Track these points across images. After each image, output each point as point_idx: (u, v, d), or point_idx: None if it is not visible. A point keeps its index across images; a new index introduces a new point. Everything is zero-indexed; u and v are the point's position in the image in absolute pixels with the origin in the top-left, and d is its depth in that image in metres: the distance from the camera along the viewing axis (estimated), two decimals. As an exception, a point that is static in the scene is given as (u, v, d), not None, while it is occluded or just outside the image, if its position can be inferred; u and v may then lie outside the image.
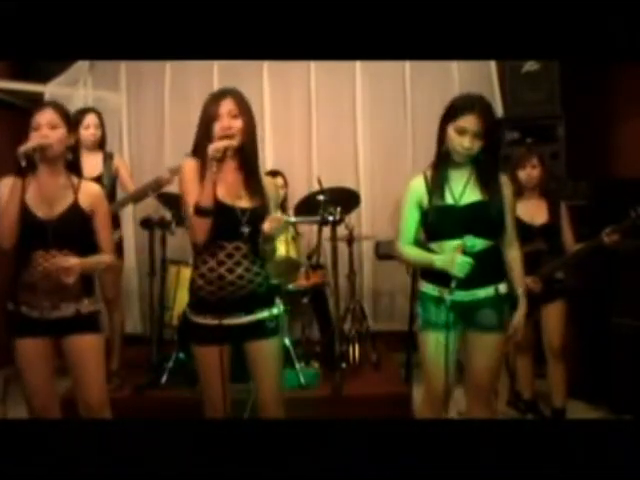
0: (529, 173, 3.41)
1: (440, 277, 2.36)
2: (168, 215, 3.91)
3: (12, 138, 4.69)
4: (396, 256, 2.58)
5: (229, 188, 2.32)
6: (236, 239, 2.31)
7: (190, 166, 2.32)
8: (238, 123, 2.30)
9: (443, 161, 2.40)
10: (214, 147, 2.20)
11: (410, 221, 2.44)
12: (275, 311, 2.42)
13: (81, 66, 4.51)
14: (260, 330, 2.38)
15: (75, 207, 2.42)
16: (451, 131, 2.33)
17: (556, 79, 4.26)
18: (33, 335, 2.38)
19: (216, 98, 2.33)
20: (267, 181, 2.49)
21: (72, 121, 2.47)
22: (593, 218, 3.55)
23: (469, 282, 2.33)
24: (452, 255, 2.29)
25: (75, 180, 2.47)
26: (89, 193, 2.47)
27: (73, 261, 2.32)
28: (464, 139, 2.30)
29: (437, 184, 2.39)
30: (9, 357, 2.44)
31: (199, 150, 2.32)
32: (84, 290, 2.44)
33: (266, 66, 4.83)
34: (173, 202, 3.96)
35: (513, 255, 2.49)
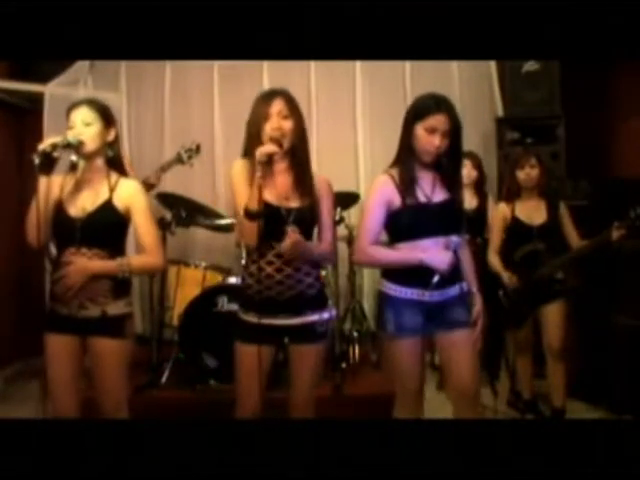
0: (528, 173, 3.41)
1: (416, 278, 2.32)
2: (168, 215, 3.92)
3: (12, 138, 4.70)
4: (355, 259, 2.56)
5: (277, 189, 2.32)
6: (284, 239, 2.28)
7: (240, 167, 2.31)
8: (288, 124, 2.29)
9: (410, 161, 2.38)
10: (260, 151, 2.18)
11: (378, 221, 2.38)
12: (326, 315, 2.38)
13: (81, 66, 4.50)
14: (308, 333, 2.35)
15: (108, 205, 2.36)
16: (420, 130, 2.33)
17: (556, 79, 4.26)
18: (61, 332, 2.36)
19: (266, 98, 2.32)
20: (319, 179, 2.42)
21: (110, 117, 2.41)
22: (593, 218, 3.55)
23: (442, 281, 2.32)
24: (442, 251, 2.30)
25: (114, 177, 2.41)
26: (125, 191, 2.39)
27: (81, 265, 2.31)
28: (434, 138, 2.30)
29: (408, 183, 2.36)
30: (9, 357, 2.44)
31: (249, 151, 2.30)
32: (114, 291, 2.38)
33: (266, 66, 4.82)
34: (173, 202, 3.98)
35: (466, 253, 2.51)
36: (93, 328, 2.35)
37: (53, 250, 2.44)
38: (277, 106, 2.29)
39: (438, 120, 2.29)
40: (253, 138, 2.30)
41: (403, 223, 2.37)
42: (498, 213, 3.53)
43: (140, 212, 2.40)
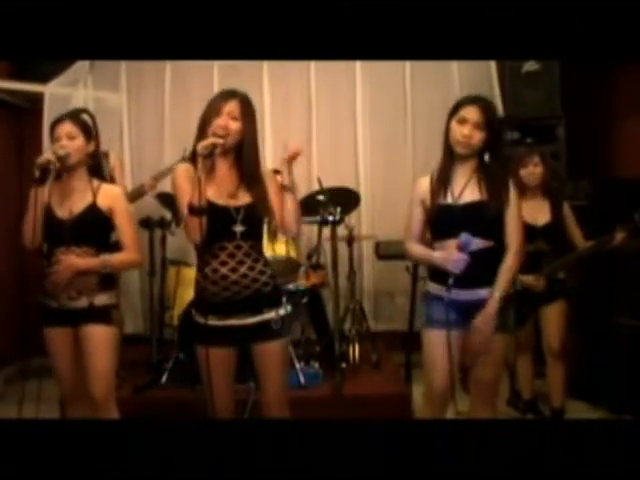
0: (531, 172, 3.39)
1: (441, 275, 2.40)
2: (168, 215, 3.91)
3: (12, 138, 4.71)
4: (405, 255, 2.64)
5: (222, 188, 2.33)
6: (235, 238, 2.31)
7: (182, 168, 2.35)
8: (236, 125, 2.30)
9: (447, 159, 2.45)
10: (202, 144, 2.22)
11: (416, 219, 2.50)
12: (282, 312, 2.39)
13: (81, 66, 4.50)
14: (266, 331, 2.35)
15: (93, 207, 2.60)
16: (453, 123, 2.40)
17: (556, 79, 4.25)
18: (54, 324, 2.58)
19: (221, 97, 2.34)
20: (265, 173, 2.43)
21: (90, 131, 2.63)
22: (593, 218, 3.55)
23: (469, 281, 2.36)
24: (449, 252, 2.35)
25: (96, 183, 2.66)
26: (108, 195, 2.64)
27: (68, 262, 2.52)
28: (464, 128, 2.36)
29: (439, 183, 2.44)
30: (9, 357, 2.46)
31: (196, 145, 2.31)
32: (101, 284, 2.60)
33: (266, 66, 4.82)
34: (173, 202, 3.97)
35: (505, 260, 2.40)
36: (82, 317, 2.56)
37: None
38: (230, 106, 2.30)
39: (468, 111, 2.37)
40: (200, 135, 2.31)
41: (431, 222, 2.47)
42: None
43: (121, 214, 2.65)
